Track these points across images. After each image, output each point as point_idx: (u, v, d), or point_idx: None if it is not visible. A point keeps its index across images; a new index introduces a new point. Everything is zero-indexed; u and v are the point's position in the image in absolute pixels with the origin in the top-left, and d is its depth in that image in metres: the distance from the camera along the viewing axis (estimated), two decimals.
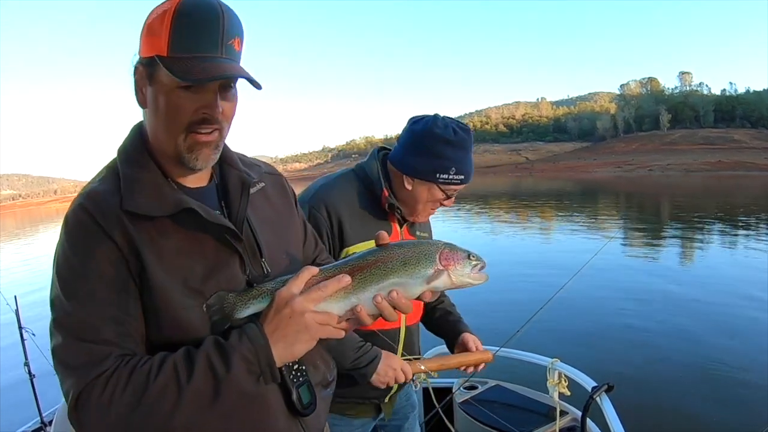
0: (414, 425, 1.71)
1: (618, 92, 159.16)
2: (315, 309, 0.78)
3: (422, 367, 1.47)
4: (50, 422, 2.27)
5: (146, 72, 0.79)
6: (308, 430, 0.92)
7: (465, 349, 1.56)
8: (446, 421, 1.81)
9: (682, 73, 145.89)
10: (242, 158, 0.98)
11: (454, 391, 2.22)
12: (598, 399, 1.79)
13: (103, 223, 0.77)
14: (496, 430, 2.09)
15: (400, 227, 1.50)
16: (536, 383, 2.26)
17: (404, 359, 1.45)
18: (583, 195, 35.44)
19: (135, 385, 0.71)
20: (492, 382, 2.46)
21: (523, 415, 2.16)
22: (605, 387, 1.80)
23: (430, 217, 1.58)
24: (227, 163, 0.93)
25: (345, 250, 1.37)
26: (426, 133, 1.36)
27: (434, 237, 1.64)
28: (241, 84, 0.81)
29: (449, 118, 1.41)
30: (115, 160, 0.86)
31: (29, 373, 2.54)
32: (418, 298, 0.85)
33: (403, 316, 1.48)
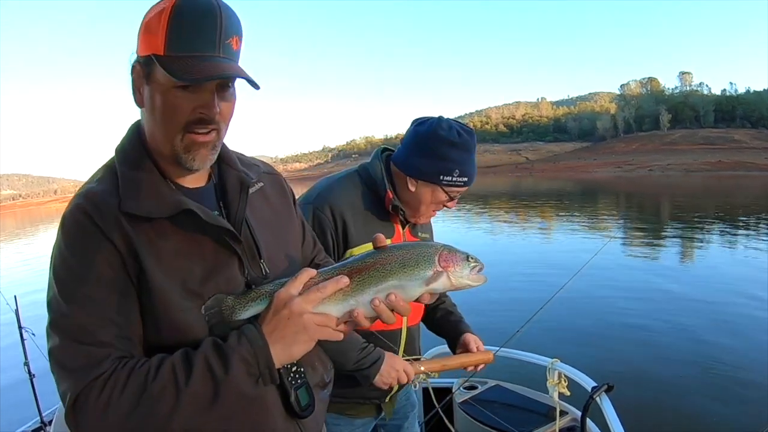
0: (413, 424, 1.72)
1: (618, 92, 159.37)
2: (313, 310, 0.77)
3: (423, 369, 1.47)
4: (50, 422, 2.27)
5: (143, 71, 0.78)
6: None
7: (466, 349, 1.55)
8: (446, 421, 1.81)
9: (682, 73, 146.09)
10: (241, 158, 0.97)
11: (453, 391, 2.22)
12: (597, 399, 1.79)
13: (102, 224, 0.76)
14: (496, 430, 2.09)
15: (403, 228, 1.50)
16: (536, 383, 2.26)
17: (405, 360, 1.45)
18: (583, 195, 35.44)
19: (133, 387, 0.71)
20: (492, 382, 2.46)
21: (523, 415, 2.16)
22: (605, 387, 1.80)
23: (431, 218, 1.58)
24: (226, 162, 0.92)
25: (349, 251, 1.37)
26: (430, 135, 1.36)
27: (435, 237, 1.64)
28: (240, 84, 0.80)
29: (453, 120, 1.41)
30: (112, 159, 0.85)
31: (29, 373, 2.53)
32: (417, 300, 0.84)
33: (404, 317, 1.48)
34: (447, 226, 14.44)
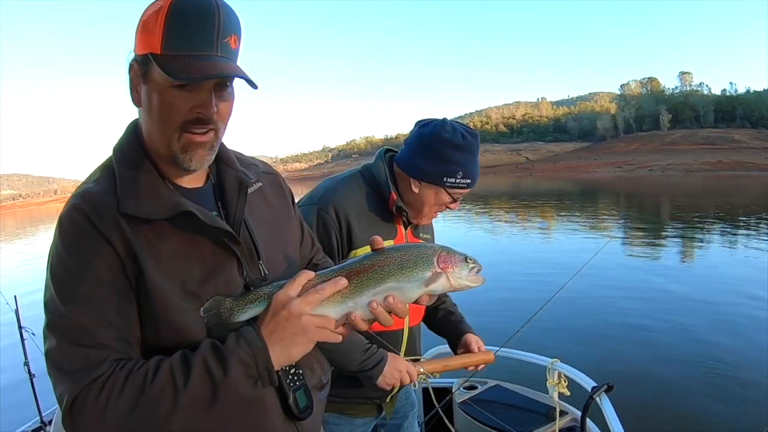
0: (413, 424, 1.72)
1: (618, 92, 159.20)
2: (312, 312, 0.77)
3: (426, 369, 1.47)
4: (50, 422, 2.28)
5: (140, 70, 0.77)
6: None
7: (468, 350, 1.56)
8: (446, 421, 1.80)
9: (683, 73, 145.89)
10: (239, 157, 0.96)
11: (453, 391, 2.22)
12: (597, 399, 1.78)
13: (100, 225, 0.76)
14: (495, 430, 2.09)
15: (405, 229, 1.50)
16: (536, 383, 2.26)
17: (407, 360, 1.45)
18: (584, 195, 35.42)
19: (131, 389, 0.70)
20: (492, 382, 2.46)
21: (522, 415, 2.16)
22: (605, 387, 1.80)
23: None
24: (224, 162, 0.91)
25: (352, 252, 1.37)
26: (435, 136, 1.36)
27: (435, 238, 1.64)
28: (240, 83, 0.80)
29: (457, 122, 1.42)
30: (110, 159, 0.84)
31: (29, 372, 2.53)
32: (416, 302, 0.84)
33: (406, 318, 1.49)
34: (447, 226, 14.43)
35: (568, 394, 2.00)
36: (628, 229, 14.64)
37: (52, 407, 2.31)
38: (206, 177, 0.90)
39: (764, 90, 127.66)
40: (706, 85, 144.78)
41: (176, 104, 0.76)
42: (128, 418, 0.69)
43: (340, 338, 0.81)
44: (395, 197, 1.41)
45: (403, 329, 1.50)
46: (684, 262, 9.92)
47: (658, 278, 8.05)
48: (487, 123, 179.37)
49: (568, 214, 20.26)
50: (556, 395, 2.02)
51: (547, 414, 2.11)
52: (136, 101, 0.81)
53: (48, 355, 0.74)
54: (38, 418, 2.38)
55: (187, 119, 0.77)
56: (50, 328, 0.74)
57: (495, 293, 6.40)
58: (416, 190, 1.40)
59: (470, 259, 0.86)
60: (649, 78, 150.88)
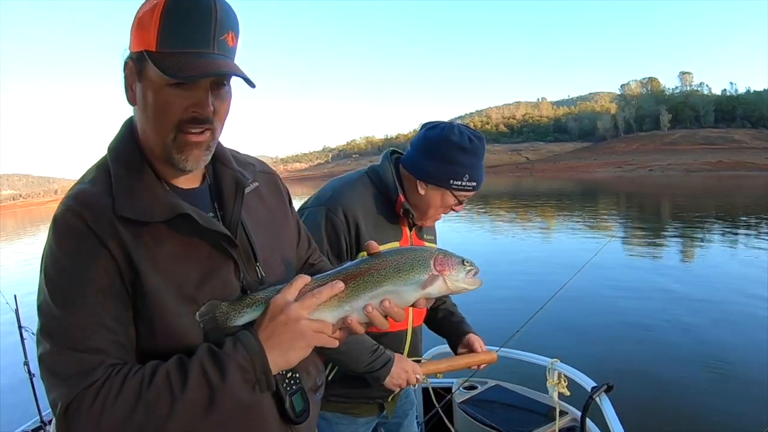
0: (412, 422, 1.74)
1: (618, 92, 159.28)
2: (310, 317, 0.76)
3: (430, 369, 1.48)
4: (50, 421, 2.28)
5: (136, 67, 0.75)
6: None
7: (471, 349, 1.57)
8: (446, 420, 1.80)
9: (683, 73, 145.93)
10: (236, 156, 0.95)
11: (453, 390, 2.22)
12: (597, 399, 1.78)
13: (95, 227, 0.74)
14: (495, 430, 2.08)
15: (410, 231, 1.50)
16: (536, 383, 2.25)
17: (411, 360, 1.46)
18: (584, 195, 35.41)
19: (127, 395, 0.68)
20: (492, 382, 2.46)
21: (522, 415, 2.16)
22: (605, 387, 1.79)
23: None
24: (221, 162, 0.89)
25: (360, 254, 1.37)
26: (442, 139, 1.37)
27: (437, 239, 1.65)
28: (238, 83, 0.78)
29: (464, 125, 1.42)
30: (105, 158, 0.82)
31: (29, 372, 2.53)
32: (413, 305, 0.83)
33: (410, 318, 1.50)
34: (448, 226, 14.42)
35: (568, 394, 2.00)
36: (629, 229, 14.64)
37: None
38: (202, 177, 0.89)
39: (764, 90, 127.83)
40: (707, 85, 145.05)
41: (172, 103, 0.74)
42: (124, 424, 0.68)
43: (337, 343, 0.80)
44: (403, 200, 1.41)
45: (406, 330, 1.51)
46: (684, 261, 9.93)
47: (658, 278, 8.05)
48: (488, 123, 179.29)
49: (568, 214, 20.26)
50: (556, 395, 2.02)
51: (547, 414, 2.11)
52: (131, 99, 0.79)
53: (42, 359, 0.72)
54: (38, 417, 2.38)
55: (183, 118, 0.75)
56: (44, 331, 0.72)
57: (495, 293, 6.40)
58: (422, 192, 1.40)
59: (467, 262, 0.85)
60: (649, 78, 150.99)
